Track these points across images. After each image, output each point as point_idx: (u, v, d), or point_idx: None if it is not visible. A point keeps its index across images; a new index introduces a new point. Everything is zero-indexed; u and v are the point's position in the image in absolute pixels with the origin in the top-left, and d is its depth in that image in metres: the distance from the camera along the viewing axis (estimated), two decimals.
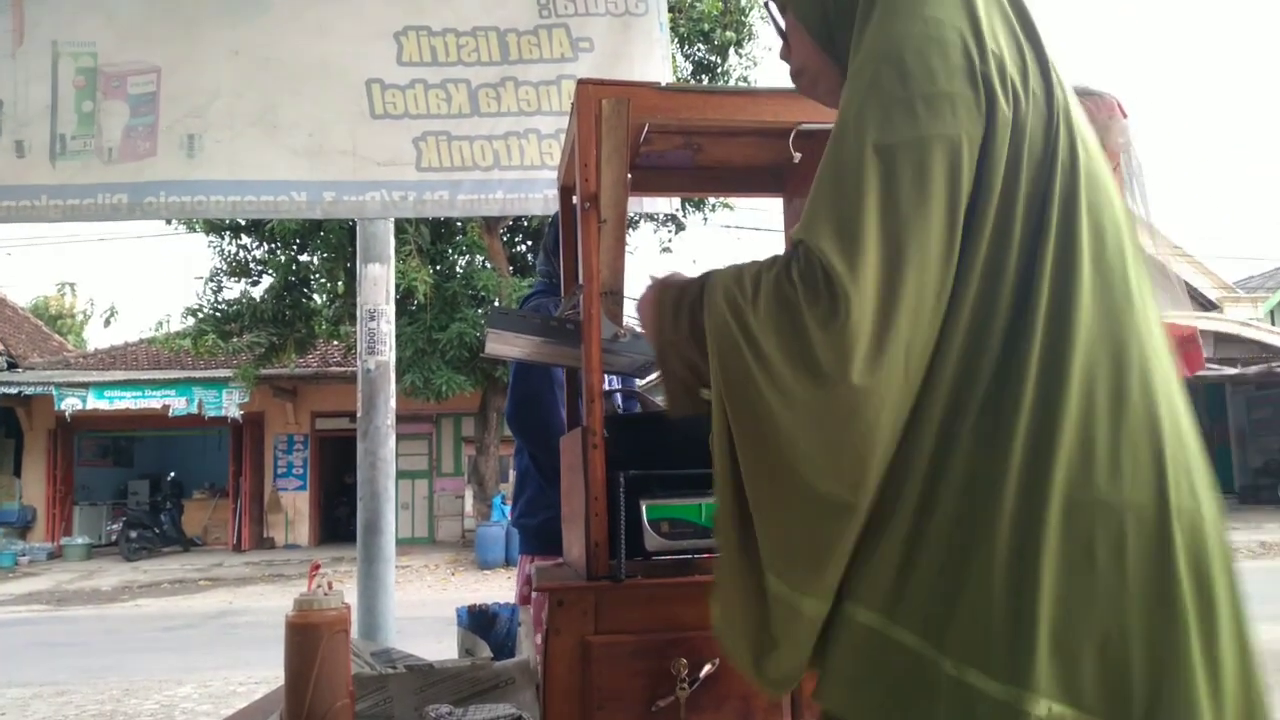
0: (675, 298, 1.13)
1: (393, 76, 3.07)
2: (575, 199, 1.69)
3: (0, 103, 2.96)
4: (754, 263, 1.06)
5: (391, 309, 3.77)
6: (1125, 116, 1.75)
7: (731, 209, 15.61)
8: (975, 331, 0.95)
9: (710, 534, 1.51)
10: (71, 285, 34.00)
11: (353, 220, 3.44)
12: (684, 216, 14.93)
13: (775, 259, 1.04)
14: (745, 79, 14.08)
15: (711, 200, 14.19)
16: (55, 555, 17.69)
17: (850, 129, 1.00)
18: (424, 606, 8.98)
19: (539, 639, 1.55)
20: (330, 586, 1.55)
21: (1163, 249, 1.88)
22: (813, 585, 0.98)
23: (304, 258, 14.57)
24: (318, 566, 1.65)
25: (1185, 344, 1.75)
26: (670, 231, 15.61)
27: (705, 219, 15.39)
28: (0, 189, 2.95)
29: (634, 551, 1.49)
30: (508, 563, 13.58)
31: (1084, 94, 1.74)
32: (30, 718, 5.96)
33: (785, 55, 1.28)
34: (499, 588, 11.82)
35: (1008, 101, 0.98)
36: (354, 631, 2.48)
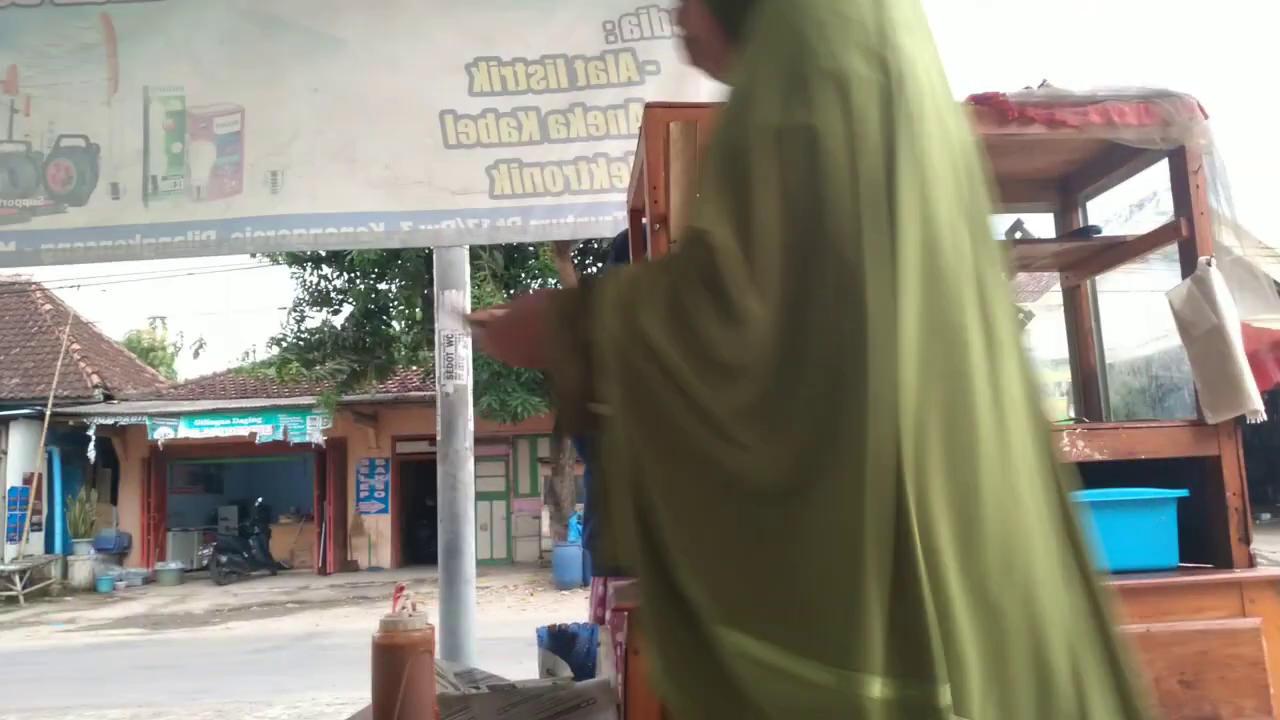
0: (557, 311, 1.06)
1: (465, 107, 3.14)
2: (645, 221, 1.70)
3: (98, 147, 3.11)
4: (648, 264, 1.04)
5: (468, 333, 3.83)
6: (1206, 117, 1.70)
7: None
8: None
9: None
10: (162, 319, 35.29)
11: (429, 248, 3.52)
12: None
13: (671, 258, 1.02)
14: None
15: None
16: (150, 580, 18.32)
17: (741, 108, 0.98)
18: (504, 627, 9.05)
19: (618, 658, 1.56)
20: (414, 608, 1.58)
21: (1250, 248, 1.81)
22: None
23: (382, 286, 14.92)
24: (402, 589, 1.68)
25: (1276, 348, 1.68)
26: None
27: None
28: (98, 230, 3.09)
29: None
30: (585, 583, 13.62)
31: (1163, 96, 1.69)
32: None
33: (680, 20, 1.23)
34: (577, 608, 11.86)
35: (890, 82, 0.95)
36: (437, 652, 2.52)
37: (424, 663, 1.47)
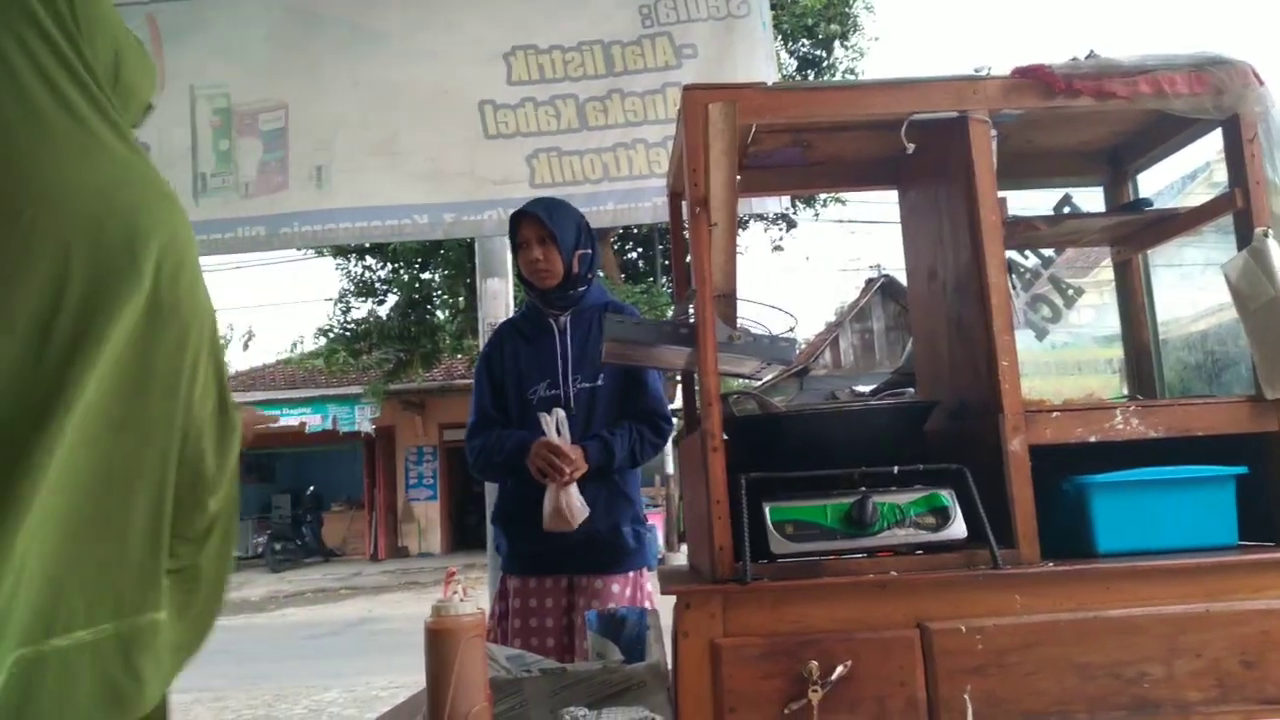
0: None
1: (503, 97, 3.15)
2: (685, 204, 1.70)
3: (148, 146, 3.18)
4: None
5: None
6: (1261, 84, 1.65)
7: (844, 203, 15.36)
8: None
9: (837, 535, 1.50)
10: None
11: (471, 238, 3.55)
12: (794, 214, 14.77)
13: None
14: (852, 71, 13.84)
15: (823, 195, 13.99)
16: None
17: None
18: None
19: (669, 642, 1.57)
20: (465, 593, 1.60)
21: None
22: None
23: (425, 276, 15.05)
24: (453, 574, 1.70)
25: None
26: (781, 230, 15.47)
27: (817, 214, 15.18)
28: None
29: (760, 554, 1.49)
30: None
31: (1216, 63, 1.65)
32: None
33: None
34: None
35: None
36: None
37: (476, 647, 1.49)
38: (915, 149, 1.65)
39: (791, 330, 1.94)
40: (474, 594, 1.59)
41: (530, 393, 2.45)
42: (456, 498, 20.40)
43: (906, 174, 2.04)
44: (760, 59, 3.11)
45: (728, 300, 1.75)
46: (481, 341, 3.97)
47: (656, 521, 12.98)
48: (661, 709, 1.59)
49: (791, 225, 15.43)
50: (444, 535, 19.78)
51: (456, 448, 19.68)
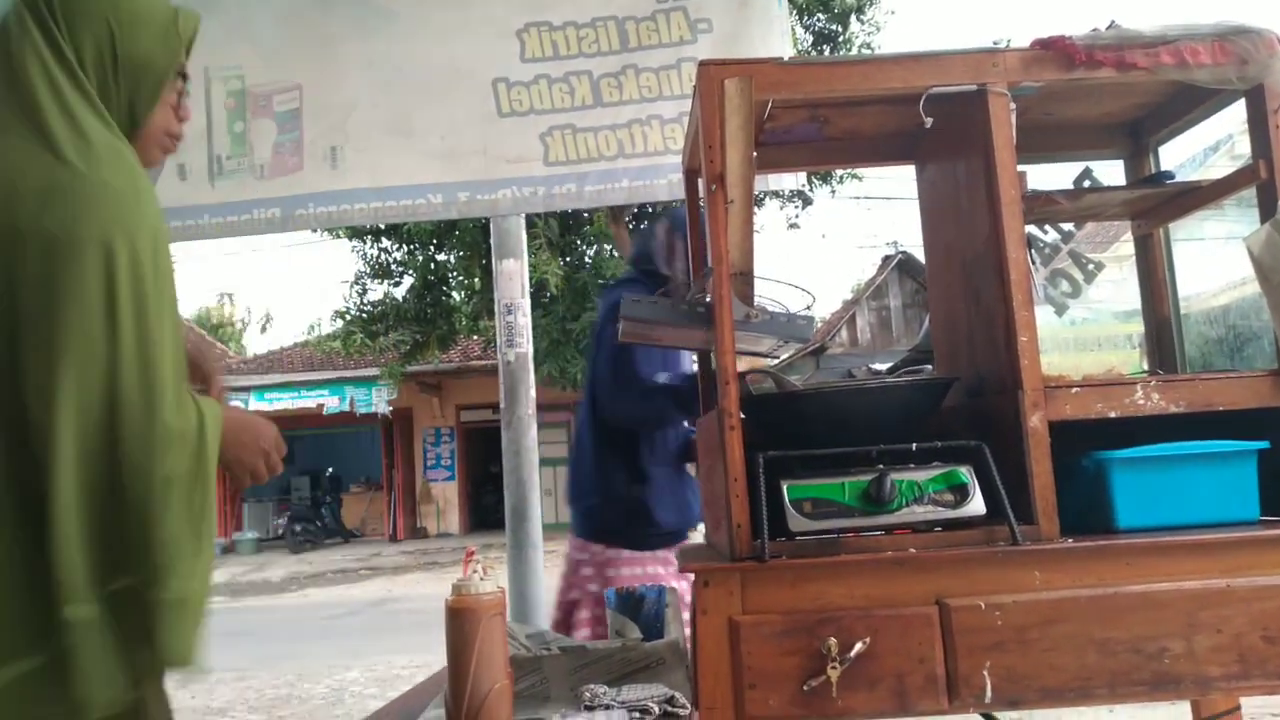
0: None
1: (517, 74, 3.13)
2: (701, 181, 1.69)
3: None
4: None
5: (527, 302, 3.87)
6: None
7: (860, 179, 15.24)
8: None
9: (855, 512, 1.50)
10: (230, 296, 36.20)
11: (485, 218, 3.55)
12: (811, 191, 14.68)
13: None
14: (869, 45, 13.70)
15: (839, 172, 13.89)
16: (228, 550, 18.95)
17: None
18: None
19: (687, 619, 1.57)
20: (485, 572, 1.61)
21: None
22: None
23: (441, 257, 15.07)
24: (472, 553, 1.71)
25: None
26: (797, 207, 15.38)
27: (833, 191, 15.08)
28: (169, 211, 3.14)
29: (778, 532, 1.49)
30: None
31: (1240, 32, 1.62)
32: (216, 700, 6.42)
33: None
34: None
35: None
36: (509, 615, 2.56)
37: (496, 625, 1.50)
38: (933, 123, 1.63)
39: (809, 308, 1.93)
40: (494, 573, 1.60)
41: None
42: (474, 478, 20.51)
43: (924, 149, 2.02)
44: (776, 34, 3.08)
45: (745, 279, 1.74)
46: (498, 322, 3.97)
47: None
48: (681, 686, 1.60)
49: (808, 203, 15.33)
50: (462, 516, 19.91)
51: (474, 428, 19.79)
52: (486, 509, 19.84)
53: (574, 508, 2.75)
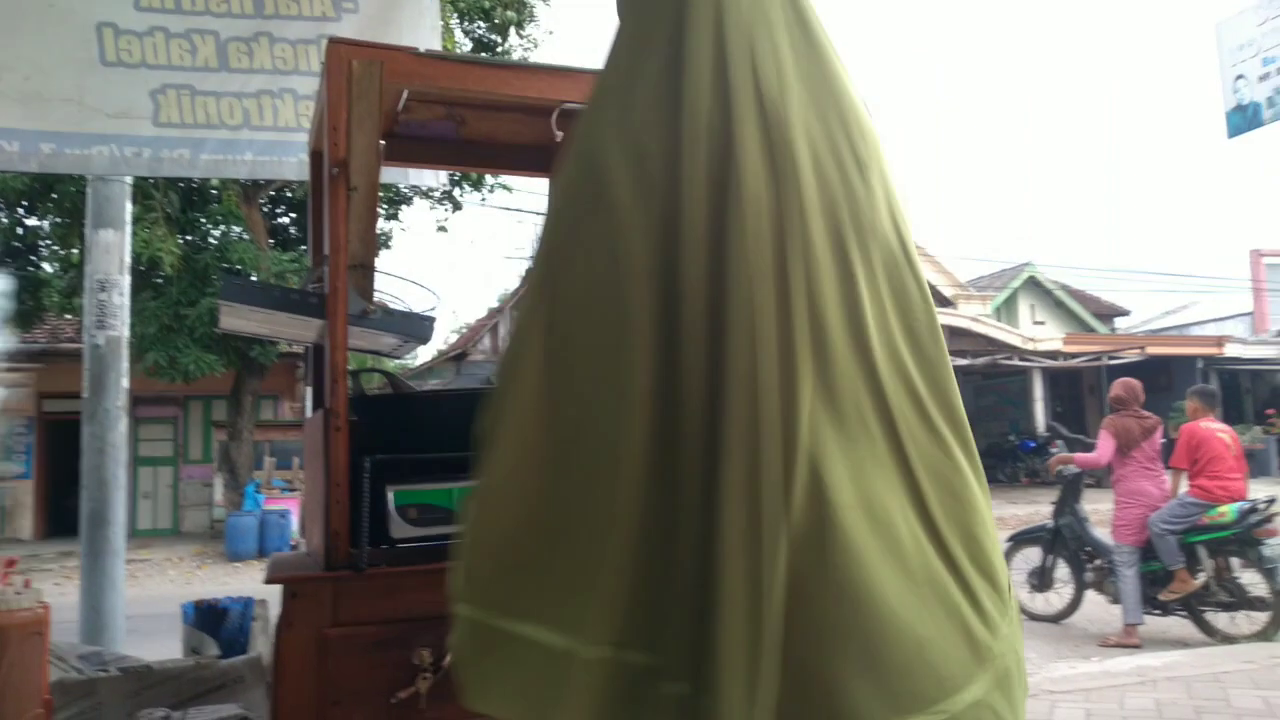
0: None
1: (128, 21, 2.78)
2: (325, 164, 1.58)
3: None
4: None
5: (126, 280, 3.44)
6: None
7: (511, 191, 15.45)
8: None
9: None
10: None
11: (84, 180, 3.10)
12: (461, 195, 14.62)
13: None
14: (525, 61, 13.95)
15: (490, 180, 13.98)
16: None
17: None
18: (165, 602, 8.24)
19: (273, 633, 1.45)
20: (27, 584, 1.39)
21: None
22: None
23: (31, 221, 13.09)
24: (14, 562, 1.47)
25: None
26: (447, 210, 15.25)
27: (484, 199, 15.14)
28: None
29: (380, 539, 1.42)
30: (261, 554, 12.82)
31: None
32: None
33: None
34: (251, 580, 11.13)
35: None
36: (75, 632, 2.24)
37: (32, 645, 1.28)
38: (564, 138, 1.66)
39: (433, 309, 1.88)
40: (56, 586, 1.37)
41: None
42: (56, 478, 17.94)
43: (557, 163, 2.06)
44: (426, 27, 3.00)
45: (365, 272, 1.66)
46: (88, 300, 3.49)
47: (292, 507, 12.27)
48: (258, 706, 1.47)
49: (458, 207, 15.24)
50: (38, 519, 17.32)
51: (59, 420, 17.30)
52: (70, 513, 17.32)
53: None
